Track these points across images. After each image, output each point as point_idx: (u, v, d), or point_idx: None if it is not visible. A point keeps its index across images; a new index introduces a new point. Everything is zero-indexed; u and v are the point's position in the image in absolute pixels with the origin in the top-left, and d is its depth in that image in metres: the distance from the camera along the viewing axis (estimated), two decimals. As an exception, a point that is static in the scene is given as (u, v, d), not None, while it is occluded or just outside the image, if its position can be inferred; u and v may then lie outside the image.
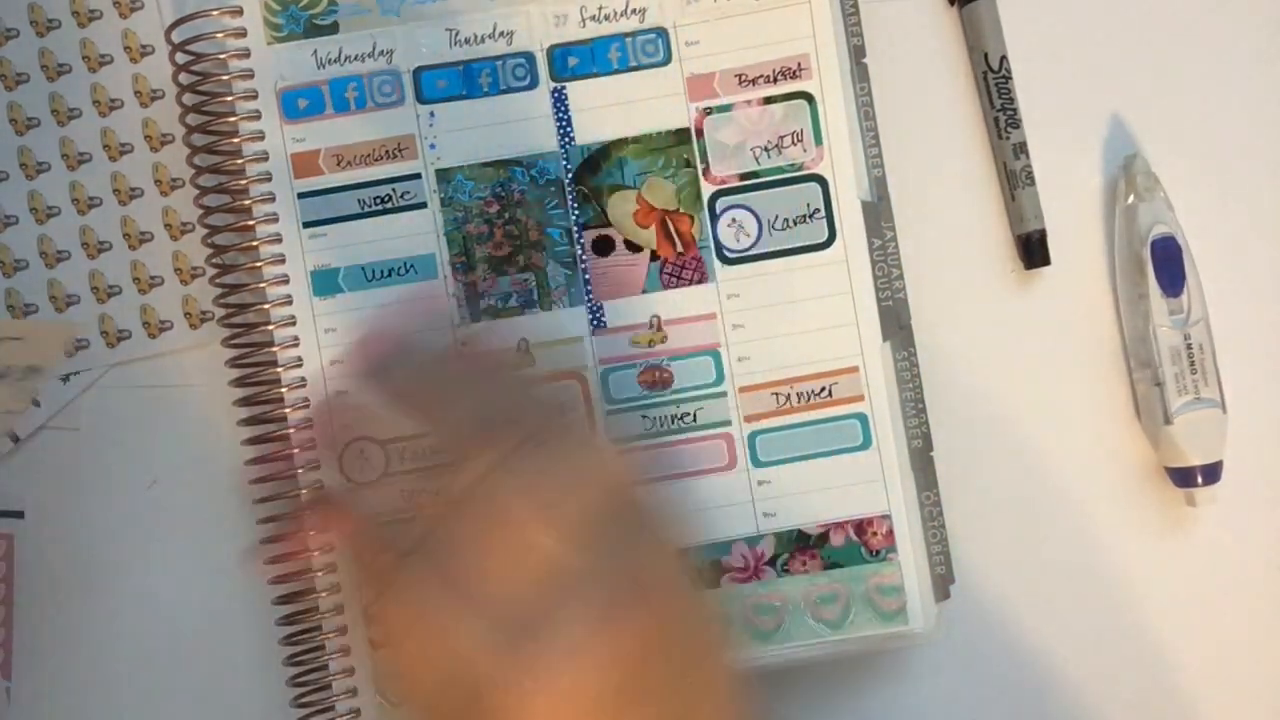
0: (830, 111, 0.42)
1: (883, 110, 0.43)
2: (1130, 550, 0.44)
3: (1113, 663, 0.44)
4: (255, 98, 0.42)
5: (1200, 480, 0.43)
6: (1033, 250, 0.44)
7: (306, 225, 0.42)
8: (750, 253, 0.42)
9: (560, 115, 0.42)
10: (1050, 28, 0.45)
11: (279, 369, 0.41)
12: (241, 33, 0.42)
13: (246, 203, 0.42)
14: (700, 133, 0.42)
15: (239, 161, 0.42)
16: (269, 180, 0.42)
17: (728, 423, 0.42)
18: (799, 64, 0.42)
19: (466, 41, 0.42)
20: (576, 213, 0.42)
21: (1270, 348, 0.45)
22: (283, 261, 0.42)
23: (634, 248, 0.42)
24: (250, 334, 0.42)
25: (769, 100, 0.42)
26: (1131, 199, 0.44)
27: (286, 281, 0.42)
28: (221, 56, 0.42)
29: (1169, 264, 0.43)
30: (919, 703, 0.44)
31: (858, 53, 0.43)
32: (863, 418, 0.41)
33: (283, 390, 0.41)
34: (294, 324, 0.42)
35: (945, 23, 0.45)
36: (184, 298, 0.45)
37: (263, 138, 0.42)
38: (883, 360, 0.42)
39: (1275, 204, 0.45)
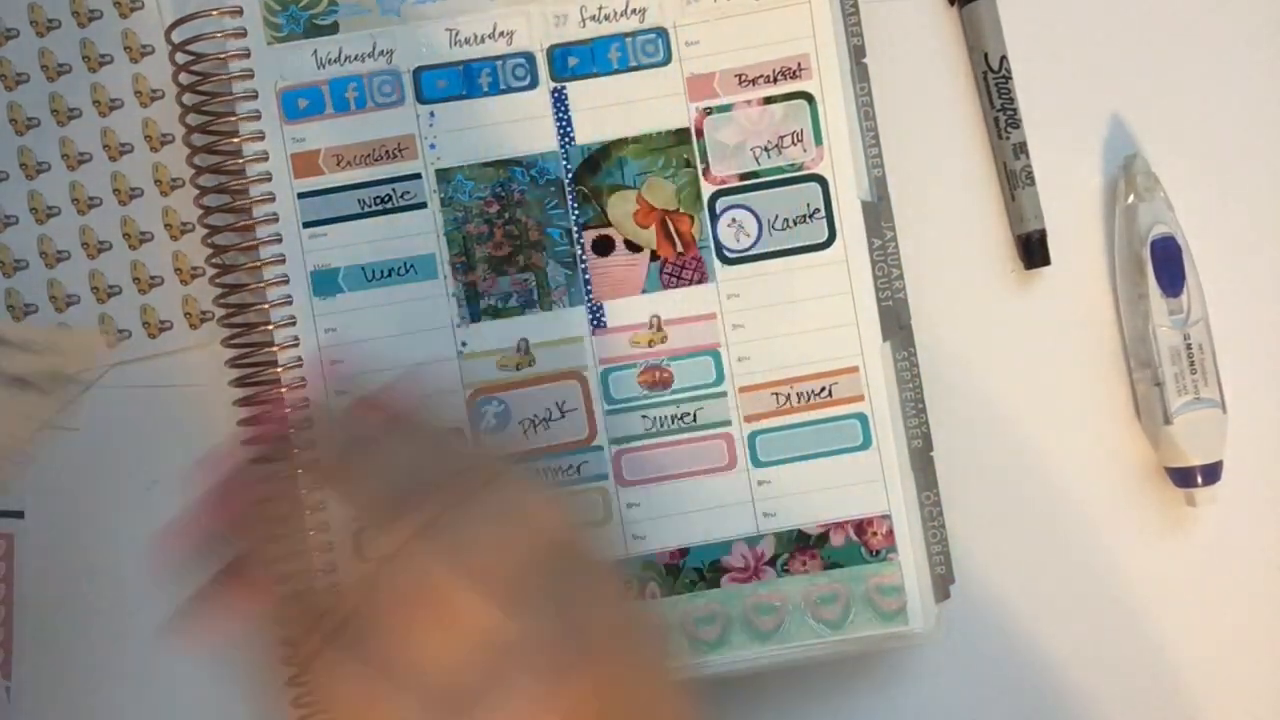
0: (830, 111, 0.42)
1: (883, 110, 0.43)
2: (1130, 550, 0.44)
3: (1113, 663, 0.44)
4: (255, 98, 0.42)
5: (1200, 480, 0.43)
6: (1033, 250, 0.44)
7: (306, 225, 0.42)
8: (750, 253, 0.42)
9: (560, 115, 0.42)
10: (1050, 28, 0.45)
11: (279, 369, 0.41)
12: (241, 33, 0.42)
13: (246, 203, 0.42)
14: (700, 133, 0.42)
15: (239, 161, 0.42)
16: (269, 180, 0.42)
17: (728, 423, 0.42)
18: (799, 64, 0.42)
19: (466, 41, 0.42)
20: (576, 213, 0.42)
21: (1270, 348, 0.45)
22: (283, 261, 0.42)
23: (634, 248, 0.42)
24: (250, 334, 0.42)
25: (769, 100, 0.42)
26: (1131, 199, 0.44)
27: (286, 281, 0.42)
28: (221, 56, 0.42)
29: (1169, 264, 0.43)
30: (919, 703, 0.44)
31: (858, 53, 0.43)
32: (863, 418, 0.41)
33: (283, 390, 0.41)
34: (294, 324, 0.42)
35: (945, 23, 0.45)
36: (184, 298, 0.45)
37: (263, 138, 0.42)
38: (883, 360, 0.42)
39: (1275, 204, 0.45)
